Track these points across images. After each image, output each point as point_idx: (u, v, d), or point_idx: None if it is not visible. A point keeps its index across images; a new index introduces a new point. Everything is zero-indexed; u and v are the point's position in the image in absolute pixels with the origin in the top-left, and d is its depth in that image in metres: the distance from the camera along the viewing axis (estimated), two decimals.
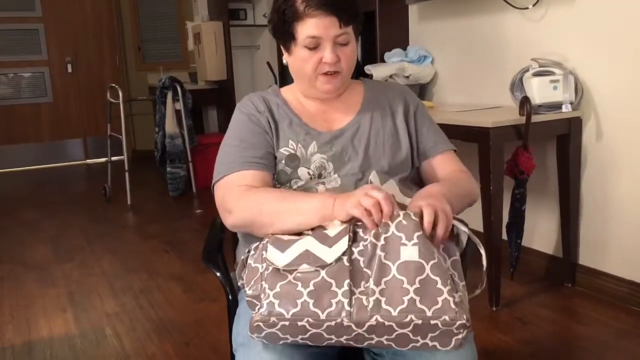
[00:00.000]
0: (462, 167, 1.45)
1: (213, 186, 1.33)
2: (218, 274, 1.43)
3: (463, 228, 1.18)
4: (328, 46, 1.29)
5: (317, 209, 1.15)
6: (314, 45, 1.29)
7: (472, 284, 1.19)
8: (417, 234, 1.08)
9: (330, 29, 1.27)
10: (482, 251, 1.16)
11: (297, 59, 1.33)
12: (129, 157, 4.88)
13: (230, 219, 1.27)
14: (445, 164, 1.43)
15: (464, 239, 1.22)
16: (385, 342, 1.07)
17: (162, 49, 6.90)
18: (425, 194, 1.21)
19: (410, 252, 1.07)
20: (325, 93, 1.36)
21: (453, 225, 1.16)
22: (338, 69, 1.32)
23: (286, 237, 1.15)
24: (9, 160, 6.63)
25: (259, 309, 1.07)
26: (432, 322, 1.03)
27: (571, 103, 2.55)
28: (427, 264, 1.06)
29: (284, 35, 1.33)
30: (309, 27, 1.27)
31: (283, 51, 1.38)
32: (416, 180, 1.45)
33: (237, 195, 1.25)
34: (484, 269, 1.17)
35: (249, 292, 1.13)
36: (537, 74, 2.56)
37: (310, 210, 1.16)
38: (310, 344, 1.10)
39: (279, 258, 1.11)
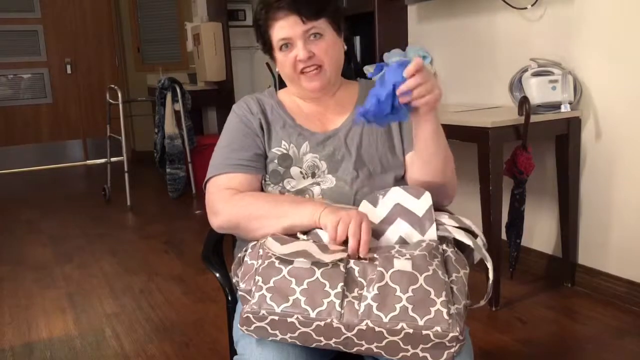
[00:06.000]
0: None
1: (204, 185, 1.37)
2: (217, 275, 1.43)
3: (476, 242, 1.18)
4: (299, 43, 1.31)
5: (306, 215, 1.19)
6: (287, 47, 1.33)
7: (476, 292, 1.20)
8: (409, 252, 1.10)
9: (295, 27, 1.30)
10: (490, 264, 1.16)
11: (279, 64, 1.37)
12: (128, 158, 4.88)
13: (217, 220, 1.31)
14: None
15: (476, 256, 1.23)
16: (374, 350, 1.06)
17: (161, 50, 6.89)
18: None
19: (403, 264, 1.08)
20: (313, 92, 1.37)
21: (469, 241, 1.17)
22: (316, 62, 1.32)
23: (287, 237, 1.18)
24: (8, 161, 6.62)
25: (250, 302, 1.08)
26: (424, 332, 1.02)
27: (570, 103, 2.55)
28: (421, 275, 1.06)
29: (265, 45, 1.38)
30: (277, 30, 1.32)
31: (274, 62, 1.41)
32: None
33: (225, 199, 1.29)
34: (490, 282, 1.17)
35: (242, 285, 1.14)
36: (536, 74, 2.56)
37: (297, 219, 1.20)
38: (299, 343, 1.09)
39: (277, 248, 1.13)
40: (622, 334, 2.31)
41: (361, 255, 1.11)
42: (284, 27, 1.31)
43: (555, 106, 2.55)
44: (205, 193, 1.36)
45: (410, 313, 1.03)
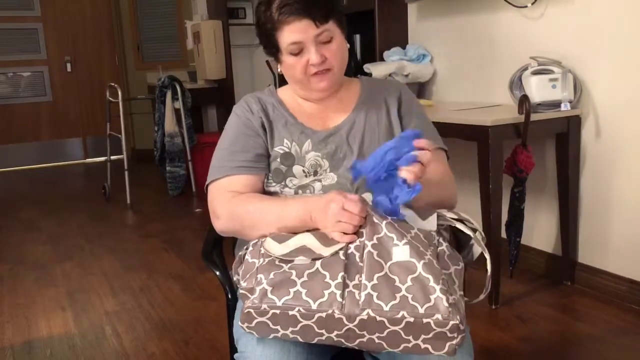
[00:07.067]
0: (445, 169, 1.43)
1: (206, 188, 1.37)
2: (217, 273, 1.43)
3: (473, 234, 1.18)
4: (311, 48, 1.29)
5: (295, 219, 1.20)
6: (298, 50, 1.30)
7: (476, 289, 1.20)
8: (407, 233, 1.10)
9: (308, 31, 1.28)
10: (488, 257, 1.16)
11: (287, 67, 1.35)
12: (128, 156, 4.88)
13: (219, 224, 1.32)
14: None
15: (476, 252, 1.23)
16: (376, 341, 1.06)
17: (161, 48, 6.89)
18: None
19: (402, 252, 1.08)
20: (321, 92, 1.36)
21: (469, 236, 1.17)
22: (328, 66, 1.32)
23: (285, 233, 1.19)
24: (8, 160, 6.63)
25: (251, 297, 1.08)
26: (425, 320, 1.02)
27: (570, 101, 2.55)
28: (419, 263, 1.07)
29: (270, 47, 1.35)
30: (288, 34, 1.29)
31: (276, 63, 1.40)
32: None
33: (225, 202, 1.30)
34: (488, 274, 1.17)
35: (243, 284, 1.14)
36: (536, 73, 2.56)
37: (289, 220, 1.20)
38: (300, 339, 1.09)
39: (276, 248, 1.14)
40: (621, 332, 2.31)
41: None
42: (296, 31, 1.28)
43: (555, 105, 2.54)
44: (208, 195, 1.36)
45: (411, 301, 1.03)
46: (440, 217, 1.19)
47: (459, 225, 1.18)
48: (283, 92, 1.46)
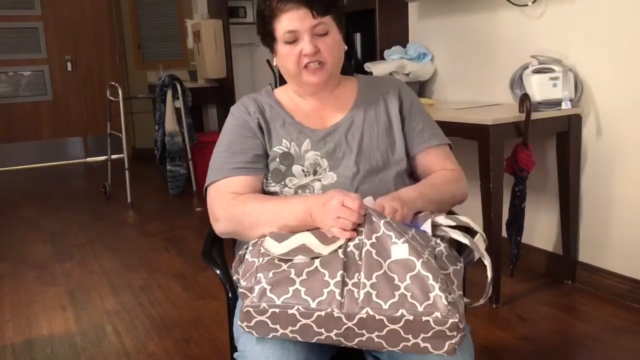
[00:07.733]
0: (452, 164, 1.44)
1: (205, 190, 1.37)
2: (218, 272, 1.43)
3: (473, 241, 1.18)
4: (306, 37, 1.30)
5: (295, 218, 1.20)
6: (293, 39, 1.31)
7: (477, 290, 1.20)
8: (405, 233, 1.10)
9: (305, 20, 1.29)
10: (488, 263, 1.15)
11: (281, 57, 1.35)
12: (129, 155, 4.88)
13: (218, 226, 1.32)
14: (436, 159, 1.43)
15: (475, 255, 1.23)
16: (375, 340, 1.06)
17: (161, 47, 6.89)
18: (394, 196, 1.23)
19: (400, 250, 1.08)
20: (313, 87, 1.37)
21: (468, 240, 1.17)
22: (320, 59, 1.32)
23: (284, 233, 1.19)
24: (8, 159, 6.63)
25: (250, 296, 1.08)
26: (424, 318, 1.02)
27: (571, 100, 2.55)
28: (418, 261, 1.06)
29: (267, 36, 1.36)
30: (284, 22, 1.30)
31: (272, 55, 1.40)
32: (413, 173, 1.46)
33: (224, 204, 1.29)
34: (489, 280, 1.17)
35: (243, 283, 1.14)
36: (537, 71, 2.56)
37: (289, 219, 1.20)
38: (300, 339, 1.09)
39: (275, 247, 1.14)
40: (622, 331, 2.31)
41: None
42: (293, 19, 1.29)
43: (556, 103, 2.54)
44: (207, 198, 1.36)
45: (410, 299, 1.03)
46: (436, 227, 1.19)
47: (455, 235, 1.17)
48: (280, 92, 1.46)
